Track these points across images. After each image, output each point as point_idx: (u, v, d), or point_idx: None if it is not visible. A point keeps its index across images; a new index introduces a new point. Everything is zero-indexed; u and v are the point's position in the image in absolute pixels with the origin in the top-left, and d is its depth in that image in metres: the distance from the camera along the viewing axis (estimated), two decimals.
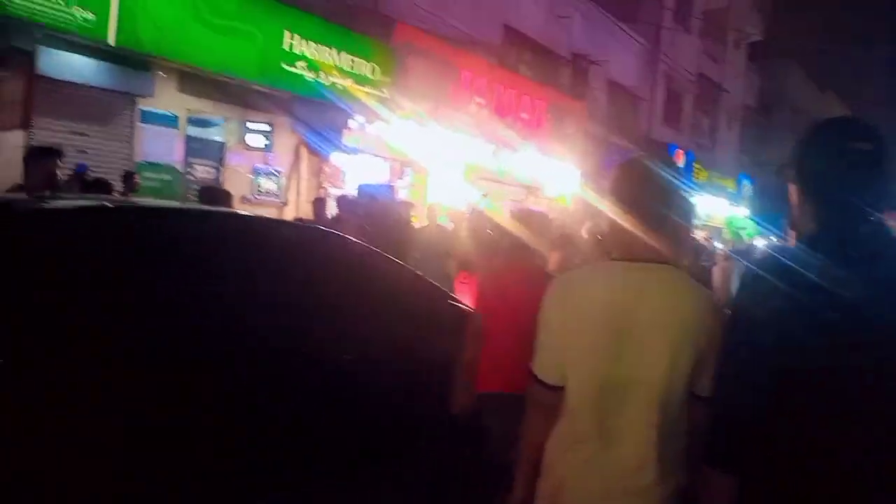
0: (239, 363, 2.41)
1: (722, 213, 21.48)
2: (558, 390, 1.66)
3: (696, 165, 19.47)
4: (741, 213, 22.50)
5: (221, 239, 2.71)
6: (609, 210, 1.69)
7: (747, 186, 23.59)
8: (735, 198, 22.26)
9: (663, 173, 1.67)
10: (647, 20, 18.18)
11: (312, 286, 2.81)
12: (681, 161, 18.32)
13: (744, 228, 20.44)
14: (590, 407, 1.62)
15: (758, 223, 20.41)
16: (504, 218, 9.05)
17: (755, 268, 1.48)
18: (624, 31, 17.01)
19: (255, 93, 8.08)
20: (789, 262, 1.39)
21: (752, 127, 27.11)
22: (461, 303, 3.60)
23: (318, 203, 8.92)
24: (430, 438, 2.99)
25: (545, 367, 1.69)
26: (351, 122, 9.30)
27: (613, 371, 1.60)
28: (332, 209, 9.11)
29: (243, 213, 4.42)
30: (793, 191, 1.54)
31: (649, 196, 1.64)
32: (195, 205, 4.54)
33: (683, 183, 1.68)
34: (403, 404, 2.86)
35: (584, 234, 9.59)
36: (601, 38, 15.99)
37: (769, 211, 23.63)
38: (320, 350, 2.64)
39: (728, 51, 23.55)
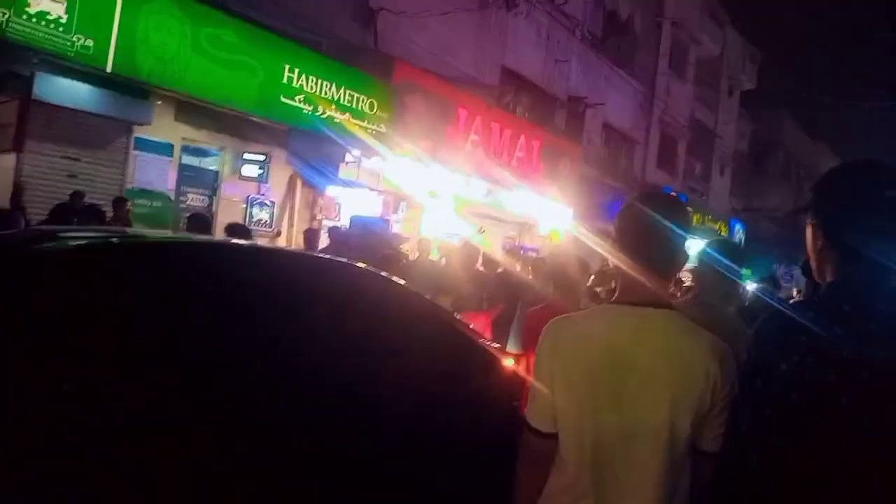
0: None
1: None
2: (551, 438, 1.59)
3: (689, 209, 19.60)
4: None
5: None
6: (610, 253, 1.64)
7: (739, 231, 23.74)
8: None
9: (665, 214, 1.57)
10: (642, 66, 18.51)
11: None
12: None
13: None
14: (583, 459, 1.53)
15: (749, 268, 20.50)
16: (496, 253, 9.06)
17: (771, 320, 1.37)
18: (620, 75, 17.29)
19: (252, 124, 8.11)
20: (810, 315, 1.27)
21: (744, 173, 27.45)
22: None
23: (311, 233, 8.90)
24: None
25: (538, 413, 1.61)
26: (347, 156, 9.33)
27: (608, 421, 1.50)
28: (324, 240, 9.12)
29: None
30: (812, 236, 1.41)
31: (647, 238, 1.57)
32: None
33: (684, 224, 1.58)
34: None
35: (575, 273, 9.71)
36: (597, 82, 16.24)
37: (759, 256, 23.82)
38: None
39: (721, 98, 23.96)
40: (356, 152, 9.27)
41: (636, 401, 1.49)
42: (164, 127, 7.63)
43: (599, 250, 14.05)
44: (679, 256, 1.59)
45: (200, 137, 8.19)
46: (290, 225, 9.37)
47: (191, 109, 7.62)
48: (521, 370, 3.06)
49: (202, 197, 8.48)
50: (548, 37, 14.22)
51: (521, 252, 11.53)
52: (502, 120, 11.98)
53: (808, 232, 1.42)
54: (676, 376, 1.48)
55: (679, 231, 1.56)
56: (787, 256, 27.83)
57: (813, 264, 1.42)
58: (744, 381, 1.30)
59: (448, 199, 10.84)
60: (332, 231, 8.32)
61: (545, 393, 1.59)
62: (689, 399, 1.46)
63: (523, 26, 13.54)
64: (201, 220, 5.94)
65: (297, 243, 9.15)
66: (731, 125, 25.01)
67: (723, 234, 22.32)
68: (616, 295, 1.63)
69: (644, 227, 1.57)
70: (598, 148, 16.70)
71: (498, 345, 3.47)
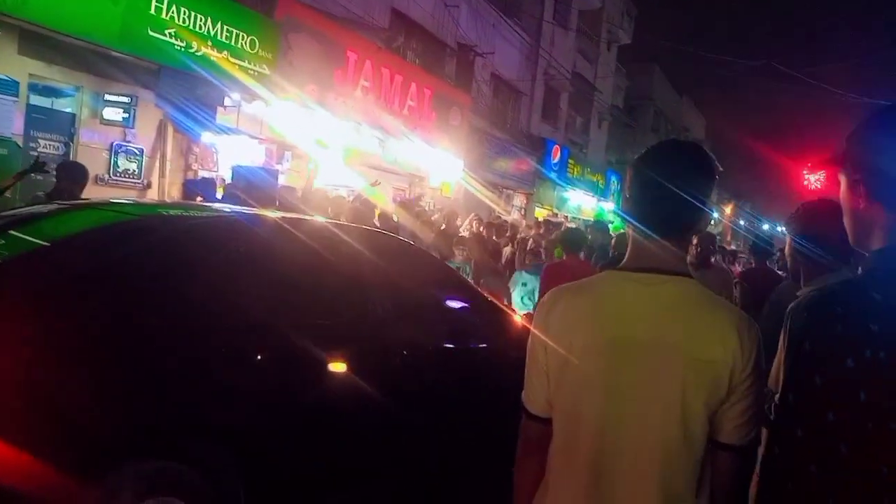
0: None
1: (592, 207, 22.52)
2: (547, 423, 1.41)
3: (571, 161, 20.20)
4: (608, 207, 23.71)
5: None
6: (621, 212, 1.41)
7: (614, 182, 24.88)
8: (604, 193, 23.38)
9: (671, 164, 1.34)
10: (528, 16, 18.50)
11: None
12: (557, 156, 18.92)
13: (611, 222, 21.54)
14: (580, 450, 1.33)
15: (623, 217, 21.55)
16: (390, 207, 8.76)
17: (827, 302, 1.05)
18: (508, 24, 17.16)
19: (114, 60, 7.12)
20: (874, 297, 0.99)
21: (618, 126, 28.68)
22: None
23: (188, 185, 8.17)
24: None
25: (532, 395, 1.44)
26: (226, 100, 8.54)
27: (607, 406, 1.30)
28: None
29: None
30: (850, 194, 1.15)
31: (651, 193, 1.33)
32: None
33: (697, 176, 1.35)
34: None
35: (470, 225, 9.69)
36: (486, 30, 16.03)
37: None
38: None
39: (601, 52, 24.60)
40: (235, 96, 8.49)
41: (639, 383, 1.28)
42: (4, 61, 6.52)
43: (488, 202, 14.15)
44: (691, 214, 1.34)
45: (52, 74, 7.10)
46: (162, 175, 8.48)
47: (39, 41, 6.55)
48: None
49: (57, 144, 7.43)
50: None
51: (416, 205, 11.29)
52: (393, 65, 11.50)
53: (845, 189, 1.17)
54: (687, 354, 1.26)
55: (690, 184, 1.32)
56: None
57: (850, 228, 1.18)
58: (800, 378, 1.01)
59: (337, 149, 10.31)
60: (197, 183, 7.66)
61: (539, 372, 1.42)
62: (703, 382, 1.26)
63: None
64: (75, 171, 5.10)
65: (171, 196, 8.37)
66: (608, 79, 25.83)
67: (601, 185, 23.30)
68: (624, 260, 1.40)
69: (646, 181, 1.34)
70: (488, 98, 16.62)
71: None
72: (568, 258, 5.33)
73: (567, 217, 19.47)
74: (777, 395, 1.84)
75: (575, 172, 20.57)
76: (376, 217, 7.52)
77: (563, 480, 1.37)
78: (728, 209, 32.91)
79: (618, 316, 1.32)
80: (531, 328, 1.45)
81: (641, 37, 27.54)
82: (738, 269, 10.33)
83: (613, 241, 5.98)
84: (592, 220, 21.71)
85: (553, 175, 18.99)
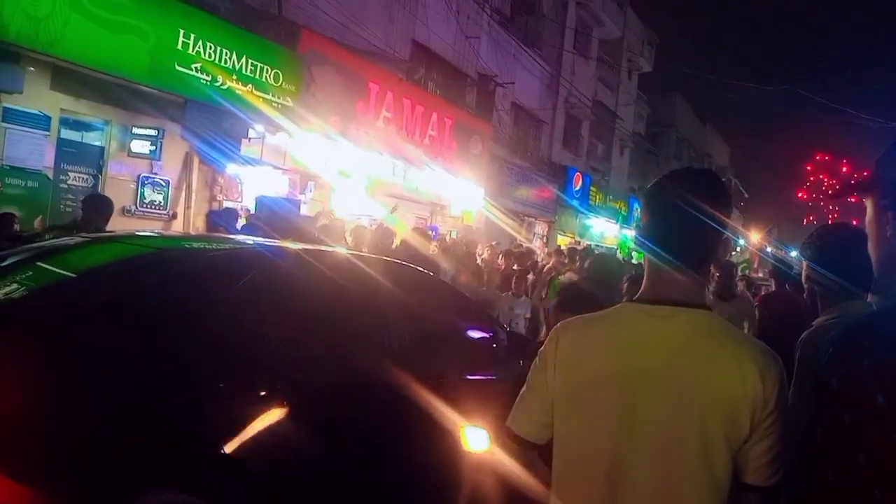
0: None
1: (614, 234, 22.37)
2: (532, 449, 1.41)
3: (593, 188, 20.14)
4: (631, 234, 23.56)
5: None
6: (633, 242, 1.43)
7: (637, 209, 24.73)
8: (626, 220, 23.25)
9: (689, 191, 1.29)
10: (549, 46, 18.67)
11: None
12: (579, 184, 18.89)
13: (636, 249, 21.39)
14: (587, 486, 1.28)
15: (639, 246, 21.35)
16: (409, 234, 8.82)
17: (856, 335, 1.01)
18: (528, 54, 17.32)
19: (142, 95, 7.31)
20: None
21: (640, 153, 28.60)
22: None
23: (212, 216, 8.26)
24: None
25: (523, 419, 1.43)
26: (250, 132, 8.69)
27: (618, 444, 1.25)
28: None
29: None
30: (878, 220, 1.11)
31: (667, 221, 1.30)
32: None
33: (715, 203, 1.30)
34: None
35: (485, 253, 9.66)
36: (506, 60, 16.19)
37: None
38: None
39: (622, 80, 24.69)
40: (259, 128, 8.65)
41: (655, 420, 1.23)
42: (37, 96, 6.71)
43: (509, 230, 14.13)
44: (706, 242, 1.30)
45: (82, 109, 7.30)
46: (188, 207, 8.63)
47: (70, 77, 6.75)
48: None
49: (86, 176, 7.61)
50: (458, 12, 13.94)
51: (433, 234, 11.32)
52: (414, 96, 11.63)
53: (872, 216, 1.13)
54: (704, 391, 1.21)
55: (708, 212, 1.27)
56: None
57: (876, 256, 1.15)
58: (828, 417, 0.96)
59: (359, 178, 10.42)
60: (218, 214, 7.77)
61: (541, 399, 1.39)
62: (722, 419, 1.20)
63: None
64: (100, 203, 5.14)
65: (196, 227, 8.49)
66: (629, 107, 25.87)
67: (623, 212, 23.17)
68: (640, 292, 1.36)
69: (659, 210, 1.32)
70: (508, 127, 16.72)
71: None
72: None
73: (589, 244, 19.35)
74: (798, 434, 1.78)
75: (597, 200, 20.50)
76: (396, 244, 7.55)
77: None
78: (756, 237, 32.47)
79: (631, 349, 1.28)
80: (538, 355, 1.43)
81: (663, 65, 27.63)
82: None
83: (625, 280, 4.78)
84: (616, 247, 21.58)
85: (575, 202, 18.94)
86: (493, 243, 10.44)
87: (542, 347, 1.42)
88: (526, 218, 17.60)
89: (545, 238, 18.51)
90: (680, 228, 1.29)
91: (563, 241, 18.27)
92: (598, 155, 23.92)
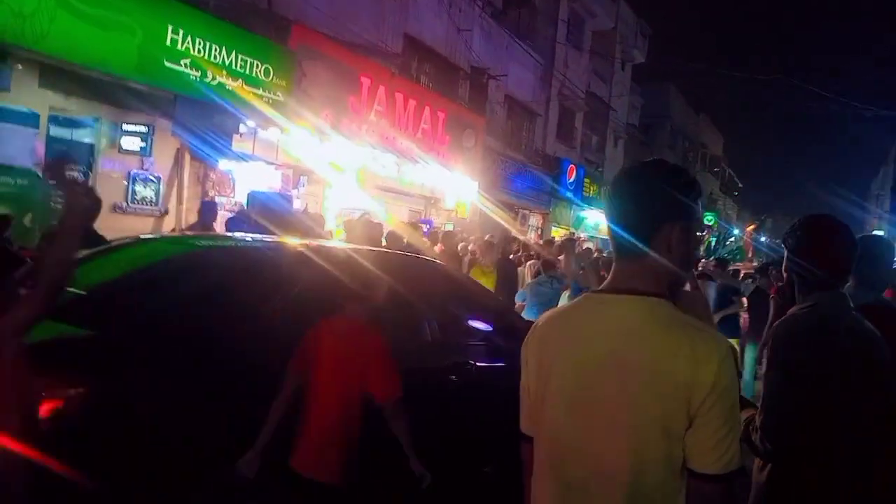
0: None
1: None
2: (531, 441, 1.46)
3: (587, 180, 20.14)
4: None
5: None
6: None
7: None
8: None
9: (630, 180, 1.37)
10: (542, 38, 18.62)
11: None
12: (573, 175, 18.88)
13: None
14: (548, 471, 1.36)
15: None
16: (400, 227, 8.81)
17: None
18: (521, 47, 17.27)
19: (131, 91, 7.26)
20: None
21: (634, 144, 28.60)
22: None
23: (207, 206, 8.23)
24: None
25: (522, 416, 1.50)
26: (241, 127, 8.65)
27: (570, 431, 1.31)
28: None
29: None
30: None
31: (614, 212, 1.36)
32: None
33: (660, 191, 1.34)
34: None
35: (478, 244, 9.66)
36: (499, 53, 16.14)
37: None
38: None
39: (615, 71, 24.65)
40: (251, 123, 8.61)
41: (600, 405, 1.28)
42: (26, 94, 6.67)
43: (503, 223, 14.09)
44: (645, 231, 1.32)
45: (71, 106, 7.26)
46: (179, 202, 8.60)
47: (58, 74, 6.70)
48: None
49: (76, 174, 7.57)
50: (450, 4, 13.89)
51: (427, 227, 11.31)
52: (407, 90, 11.60)
53: None
54: (644, 375, 1.23)
55: (642, 201, 1.33)
56: None
57: None
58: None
59: (351, 172, 10.39)
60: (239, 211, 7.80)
61: (524, 394, 1.47)
62: (660, 403, 1.22)
63: None
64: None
65: (188, 222, 8.46)
66: (623, 98, 25.84)
67: None
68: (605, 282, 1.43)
69: (608, 206, 1.39)
70: (502, 120, 16.69)
71: None
72: None
73: (586, 236, 19.37)
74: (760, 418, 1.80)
75: (591, 191, 20.50)
76: (384, 236, 7.58)
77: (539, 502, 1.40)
78: (750, 227, 32.52)
79: (584, 338, 1.33)
80: (522, 351, 1.49)
81: (656, 55, 27.58)
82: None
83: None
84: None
85: (569, 194, 18.94)
86: (487, 236, 10.42)
87: (524, 346, 1.48)
88: (520, 210, 17.60)
89: (540, 230, 18.51)
90: (619, 218, 1.35)
91: (558, 233, 18.28)
92: (592, 146, 23.91)
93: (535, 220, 18.95)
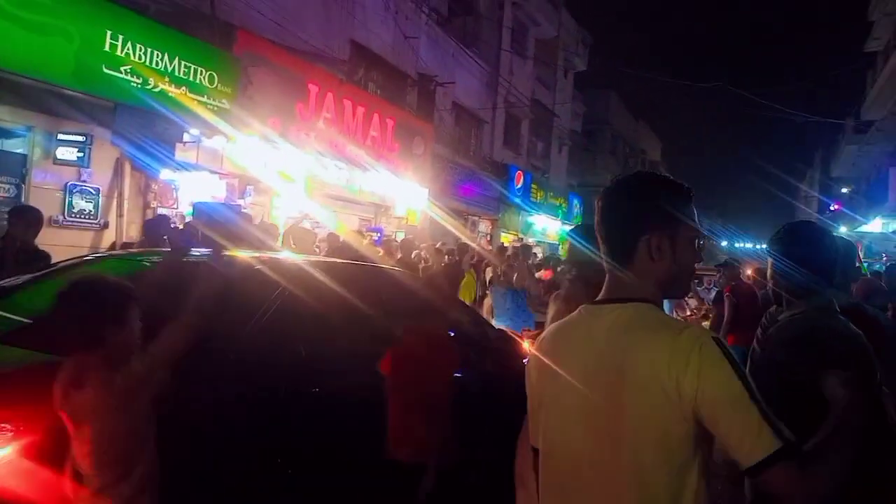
0: None
1: (556, 230, 22.74)
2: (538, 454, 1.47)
3: (534, 186, 20.40)
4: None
5: None
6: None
7: (577, 205, 25.22)
8: (567, 216, 23.67)
9: (612, 193, 1.42)
10: (487, 45, 18.78)
11: None
12: (520, 182, 19.09)
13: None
14: (549, 482, 1.38)
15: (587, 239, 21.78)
16: (350, 236, 8.72)
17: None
18: (467, 53, 17.38)
19: (66, 99, 6.92)
20: None
21: (578, 150, 29.17)
22: None
23: (151, 224, 7.94)
24: None
25: (530, 428, 1.50)
26: (185, 136, 8.38)
27: (567, 446, 1.33)
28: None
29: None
30: None
31: (609, 224, 1.41)
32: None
33: (635, 200, 1.39)
34: None
35: (431, 252, 9.65)
36: (446, 60, 16.20)
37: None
38: None
39: (558, 79, 25.09)
40: (195, 131, 8.34)
41: (592, 411, 1.29)
42: None
43: (453, 230, 14.13)
44: (626, 240, 1.37)
45: (1, 115, 6.87)
46: (120, 215, 8.24)
47: None
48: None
49: (7, 186, 7.17)
50: (396, 11, 13.85)
51: (378, 235, 11.22)
52: (355, 97, 11.48)
53: None
54: (632, 378, 1.23)
55: (621, 211, 1.39)
56: None
57: None
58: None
59: (300, 181, 10.20)
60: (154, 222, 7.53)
61: (531, 406, 1.50)
62: (649, 412, 1.21)
63: None
64: (28, 214, 4.85)
65: (129, 235, 8.13)
66: (566, 105, 26.32)
67: (564, 208, 23.57)
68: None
69: (597, 215, 1.44)
70: (450, 127, 16.73)
71: None
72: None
73: (534, 242, 19.59)
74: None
75: (538, 197, 20.78)
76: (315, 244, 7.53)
77: None
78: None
79: (576, 348, 1.36)
80: (527, 365, 1.53)
81: (597, 63, 28.22)
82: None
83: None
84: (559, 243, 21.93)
85: (517, 200, 19.13)
86: (439, 244, 10.41)
87: (529, 360, 1.51)
88: (470, 217, 17.67)
89: (489, 236, 18.63)
90: (605, 230, 1.41)
91: (507, 239, 18.43)
92: (537, 153, 24.25)
93: (484, 226, 19.06)
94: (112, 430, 1.91)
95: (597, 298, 1.42)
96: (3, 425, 2.06)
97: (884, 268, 9.03)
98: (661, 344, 1.22)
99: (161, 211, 8.69)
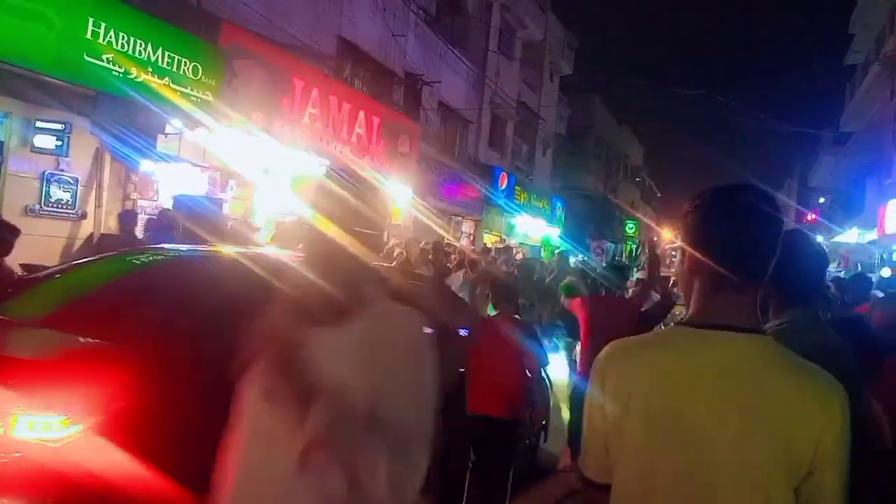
0: None
1: (539, 232, 22.80)
2: (608, 491, 1.29)
3: (518, 188, 20.45)
4: (554, 232, 24.09)
5: None
6: (680, 253, 1.29)
7: (559, 208, 25.32)
8: (550, 218, 23.75)
9: (762, 210, 1.22)
10: (474, 46, 18.79)
11: None
12: (504, 183, 19.12)
13: (558, 247, 21.88)
14: None
15: (568, 241, 21.89)
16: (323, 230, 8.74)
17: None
18: (454, 53, 17.36)
19: (45, 86, 6.77)
20: None
21: (562, 153, 29.30)
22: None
23: (127, 216, 7.82)
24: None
25: (591, 461, 1.33)
26: (167, 127, 8.24)
27: (678, 482, 1.17)
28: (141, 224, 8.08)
29: None
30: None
31: (748, 238, 1.22)
32: None
33: (778, 220, 1.26)
34: None
35: (415, 251, 9.63)
36: (433, 60, 16.16)
37: (576, 230, 25.68)
38: None
39: (544, 82, 25.18)
40: (177, 123, 8.21)
41: (707, 454, 1.15)
42: None
43: (438, 229, 14.16)
44: (768, 263, 1.24)
45: None
46: (98, 206, 8.09)
47: None
48: None
49: None
50: (384, 9, 13.79)
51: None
52: (341, 93, 11.40)
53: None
54: (763, 424, 1.13)
55: (770, 229, 1.24)
56: (598, 231, 30.31)
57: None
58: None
59: (283, 176, 10.11)
60: (161, 213, 7.42)
61: (598, 438, 1.30)
62: (782, 454, 1.13)
63: None
64: None
65: (108, 227, 7.99)
66: (551, 108, 26.43)
67: (547, 210, 23.64)
68: (688, 314, 1.27)
69: (730, 227, 1.22)
70: (436, 126, 16.70)
71: None
72: (499, 315, 4.52)
73: (516, 243, 19.63)
74: None
75: (522, 198, 20.83)
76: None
77: None
78: (669, 235, 33.99)
79: (686, 380, 1.19)
80: (590, 384, 1.32)
81: (583, 67, 28.42)
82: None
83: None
84: (547, 247, 22.00)
85: (501, 201, 19.16)
86: (423, 243, 10.37)
87: (592, 376, 1.32)
88: (453, 217, 17.66)
89: (472, 237, 18.63)
90: (736, 243, 1.22)
91: (490, 240, 18.44)
92: (522, 155, 24.31)
93: (467, 226, 19.06)
94: None
95: (696, 321, 1.24)
96: (72, 405, 2.18)
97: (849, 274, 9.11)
98: (805, 389, 1.15)
99: (141, 203, 8.56)
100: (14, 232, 4.54)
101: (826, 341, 1.85)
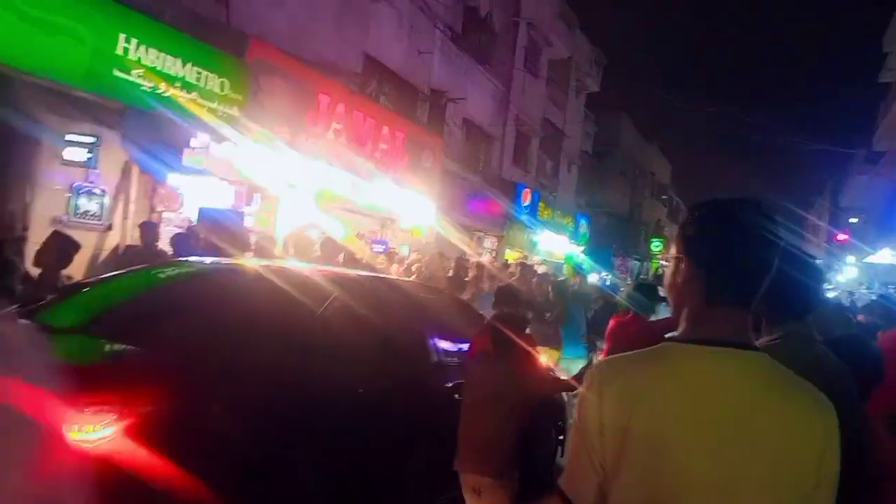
0: None
1: (563, 249, 22.65)
2: None
3: (542, 204, 20.38)
4: (578, 249, 23.91)
5: None
6: (674, 264, 1.25)
7: (583, 225, 25.15)
8: (573, 235, 23.60)
9: (763, 225, 1.20)
10: (500, 63, 18.87)
11: None
12: (528, 199, 19.08)
13: (581, 264, 21.69)
14: None
15: (592, 258, 21.71)
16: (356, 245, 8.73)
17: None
18: (480, 71, 17.45)
19: (77, 100, 6.95)
20: None
21: (587, 171, 29.17)
22: None
23: (147, 227, 7.93)
24: None
25: (577, 483, 1.24)
26: (193, 141, 8.38)
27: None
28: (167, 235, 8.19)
29: None
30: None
31: (749, 251, 1.19)
32: None
33: (778, 238, 1.22)
34: None
35: (440, 267, 9.62)
36: (458, 76, 16.26)
37: (600, 247, 25.45)
38: None
39: (569, 99, 25.16)
40: (203, 137, 8.35)
41: (717, 483, 1.11)
42: None
43: (460, 245, 14.13)
44: (765, 279, 1.22)
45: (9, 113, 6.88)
46: (125, 217, 8.24)
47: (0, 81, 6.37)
48: None
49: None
50: (410, 27, 13.93)
51: (383, 248, 11.18)
52: (366, 108, 11.51)
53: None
54: (776, 445, 1.11)
55: (770, 246, 1.21)
56: (623, 249, 30.05)
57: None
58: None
59: (307, 190, 10.20)
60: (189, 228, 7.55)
61: (592, 460, 1.22)
62: (794, 477, 1.11)
63: (386, 13, 13.13)
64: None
65: (134, 238, 8.12)
66: (577, 125, 26.37)
67: (570, 227, 23.50)
68: (682, 329, 1.24)
69: (731, 241, 1.19)
70: (459, 142, 16.76)
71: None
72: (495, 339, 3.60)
73: (539, 260, 19.51)
74: None
75: (545, 215, 20.74)
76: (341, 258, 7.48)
77: None
78: None
79: (690, 398, 1.15)
80: (579, 404, 1.26)
81: (610, 85, 28.33)
82: None
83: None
84: (568, 263, 21.84)
85: (524, 218, 19.10)
86: (449, 260, 10.38)
87: (583, 399, 1.25)
88: (476, 233, 17.64)
89: (494, 253, 18.58)
90: (737, 257, 1.20)
91: (513, 256, 18.37)
92: (546, 171, 24.26)
93: (490, 242, 19.02)
94: None
95: (694, 336, 1.21)
96: (106, 408, 2.32)
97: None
98: (814, 406, 1.15)
99: (166, 215, 8.69)
100: (77, 248, 4.69)
101: (818, 358, 1.81)
